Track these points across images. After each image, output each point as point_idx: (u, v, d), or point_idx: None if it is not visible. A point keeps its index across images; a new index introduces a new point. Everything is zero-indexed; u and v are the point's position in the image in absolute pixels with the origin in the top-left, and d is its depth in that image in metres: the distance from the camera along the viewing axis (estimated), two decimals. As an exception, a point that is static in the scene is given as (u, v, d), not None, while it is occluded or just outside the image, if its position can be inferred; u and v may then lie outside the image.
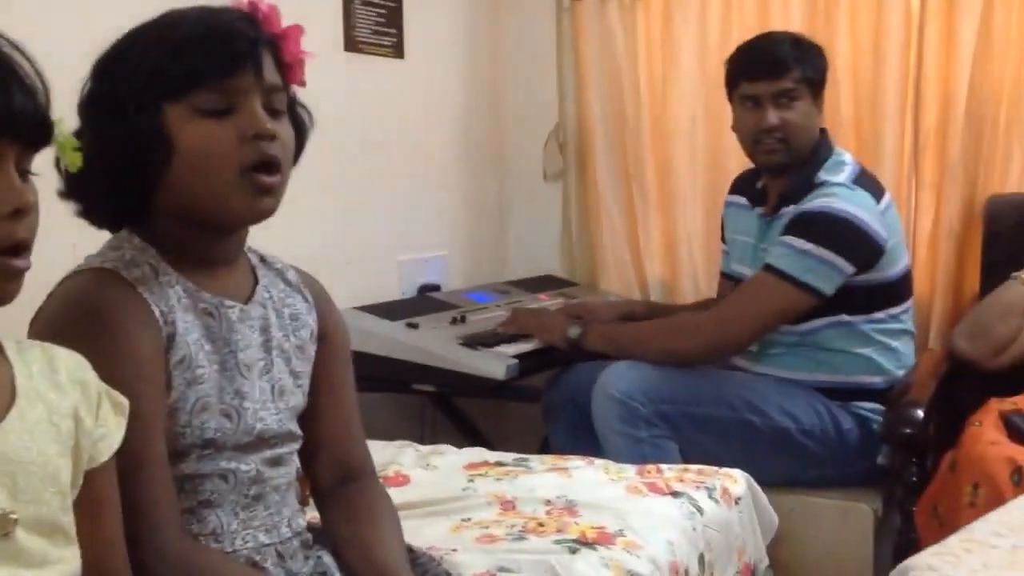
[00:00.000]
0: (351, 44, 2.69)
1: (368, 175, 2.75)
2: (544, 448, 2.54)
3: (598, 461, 2.01)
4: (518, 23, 3.22)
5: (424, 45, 2.94)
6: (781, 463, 2.27)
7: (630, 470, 1.94)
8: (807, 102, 2.36)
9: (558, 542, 1.62)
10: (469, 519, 1.72)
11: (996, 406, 2.17)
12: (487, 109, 3.24)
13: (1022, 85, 2.64)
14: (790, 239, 2.26)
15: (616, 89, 3.06)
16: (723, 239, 2.66)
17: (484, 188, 3.26)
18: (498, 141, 3.28)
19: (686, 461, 2.18)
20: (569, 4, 3.10)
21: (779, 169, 2.39)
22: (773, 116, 2.33)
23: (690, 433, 2.26)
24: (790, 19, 2.83)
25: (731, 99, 2.44)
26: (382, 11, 2.79)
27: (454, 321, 2.58)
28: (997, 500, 1.73)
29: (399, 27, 2.85)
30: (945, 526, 1.87)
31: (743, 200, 2.54)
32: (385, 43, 2.81)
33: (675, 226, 3.03)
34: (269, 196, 1.21)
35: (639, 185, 3.07)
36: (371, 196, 2.77)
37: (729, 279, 2.60)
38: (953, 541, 1.31)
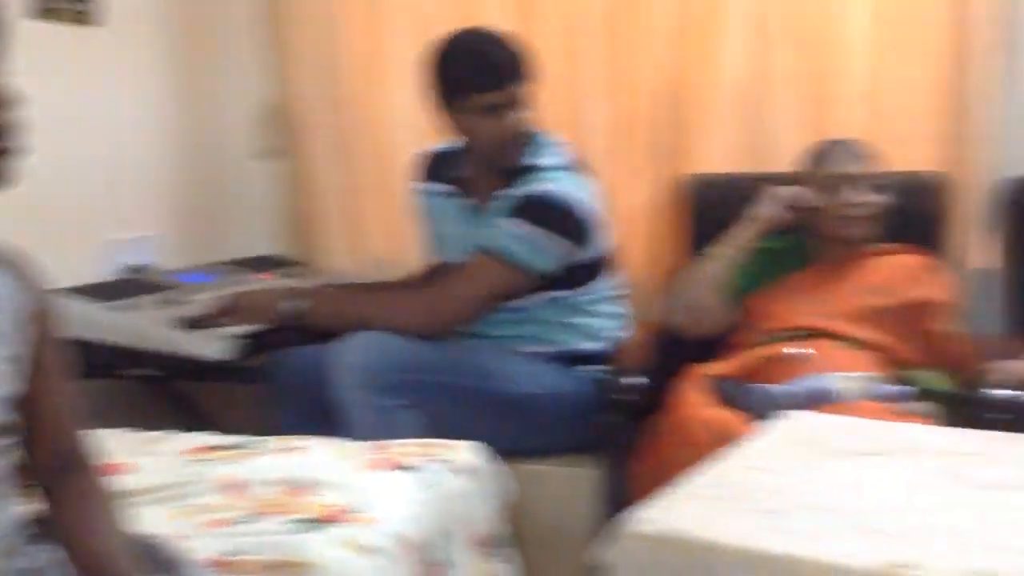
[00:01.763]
0: (39, 10, 2.48)
1: (64, 152, 2.54)
2: (271, 431, 2.47)
3: (329, 440, 1.97)
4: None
5: (123, 14, 2.76)
6: (522, 429, 2.32)
7: (364, 447, 1.92)
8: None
9: (293, 522, 1.58)
10: (195, 504, 1.65)
11: (701, 371, 2.32)
12: (195, 84, 3.09)
13: (719, 70, 2.81)
14: (510, 222, 2.31)
15: (330, 66, 3.01)
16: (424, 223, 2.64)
17: (196, 166, 3.12)
18: (207, 117, 3.13)
19: (430, 430, 2.18)
20: (277, -22, 3.02)
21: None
22: (512, 123, 2.35)
23: (434, 401, 2.26)
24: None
25: (455, 105, 2.37)
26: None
27: (167, 302, 2.45)
28: (700, 458, 1.78)
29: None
30: (658, 484, 1.97)
31: (445, 188, 2.54)
32: (79, 9, 2.62)
33: (395, 202, 3.03)
34: None
35: (358, 162, 3.04)
36: (67, 174, 2.57)
37: (442, 267, 2.61)
38: (670, 492, 1.38)
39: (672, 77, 2.81)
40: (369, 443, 1.94)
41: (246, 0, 3.06)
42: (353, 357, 2.22)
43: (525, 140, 2.41)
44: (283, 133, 3.10)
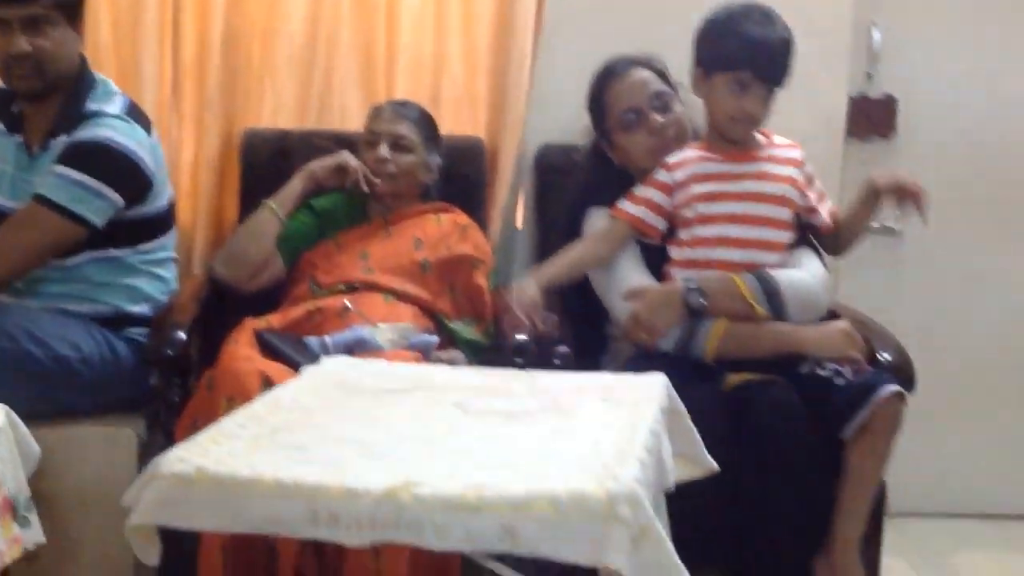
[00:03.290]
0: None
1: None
2: None
3: None
4: None
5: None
6: (61, 392, 2.23)
7: None
8: (63, 28, 2.29)
9: None
10: None
11: (251, 324, 2.34)
12: None
13: (272, 29, 2.82)
14: (63, 169, 2.21)
15: None
16: None
17: None
18: None
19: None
20: None
21: (34, 96, 2.32)
22: (24, 43, 2.24)
23: None
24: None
25: None
26: None
27: None
28: None
29: None
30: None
31: None
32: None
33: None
34: None
35: None
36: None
37: None
38: (202, 436, 1.40)
39: (231, 29, 2.79)
40: None
41: None
42: None
43: (88, 84, 2.31)
44: None
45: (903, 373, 2.20)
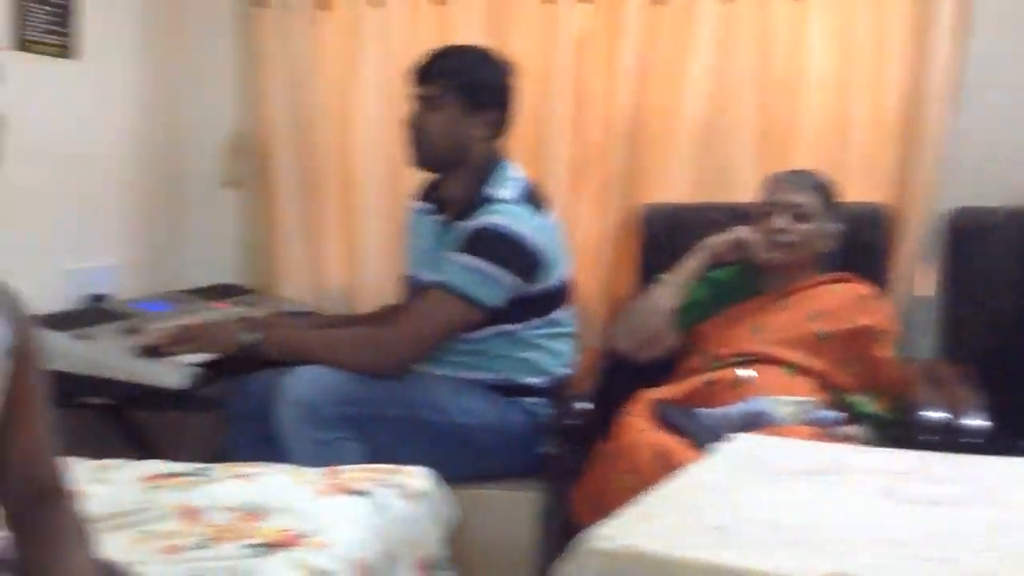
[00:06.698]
0: (20, 42, 2.55)
1: (34, 180, 2.55)
2: (222, 458, 2.48)
3: (282, 466, 2.00)
4: (199, 29, 3.16)
5: (100, 47, 2.83)
6: (459, 457, 2.34)
7: (315, 472, 1.94)
8: (453, 109, 2.45)
9: (246, 547, 1.60)
10: (152, 530, 1.67)
11: (646, 396, 2.36)
12: (164, 115, 3.14)
13: (674, 107, 2.90)
14: (461, 256, 2.35)
15: (299, 98, 3.06)
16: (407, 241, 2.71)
17: (159, 195, 3.16)
18: (174, 147, 3.18)
19: (371, 460, 2.21)
20: (251, 12, 3.07)
21: (422, 166, 2.53)
22: (413, 116, 2.47)
23: (374, 434, 2.29)
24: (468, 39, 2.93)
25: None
26: (56, 9, 2.66)
27: (127, 331, 2.47)
28: (643, 482, 1.79)
29: (73, 26, 2.73)
30: (600, 508, 2.00)
31: (425, 205, 2.61)
32: (58, 43, 2.68)
33: (357, 233, 3.07)
34: None
35: (321, 192, 3.08)
36: (36, 202, 2.60)
37: (407, 281, 2.66)
38: (628, 514, 1.43)
39: (633, 112, 2.89)
40: (320, 469, 1.96)
41: (220, 32, 3.12)
42: (294, 392, 2.26)
43: (490, 169, 2.46)
44: (249, 162, 3.14)
45: None
